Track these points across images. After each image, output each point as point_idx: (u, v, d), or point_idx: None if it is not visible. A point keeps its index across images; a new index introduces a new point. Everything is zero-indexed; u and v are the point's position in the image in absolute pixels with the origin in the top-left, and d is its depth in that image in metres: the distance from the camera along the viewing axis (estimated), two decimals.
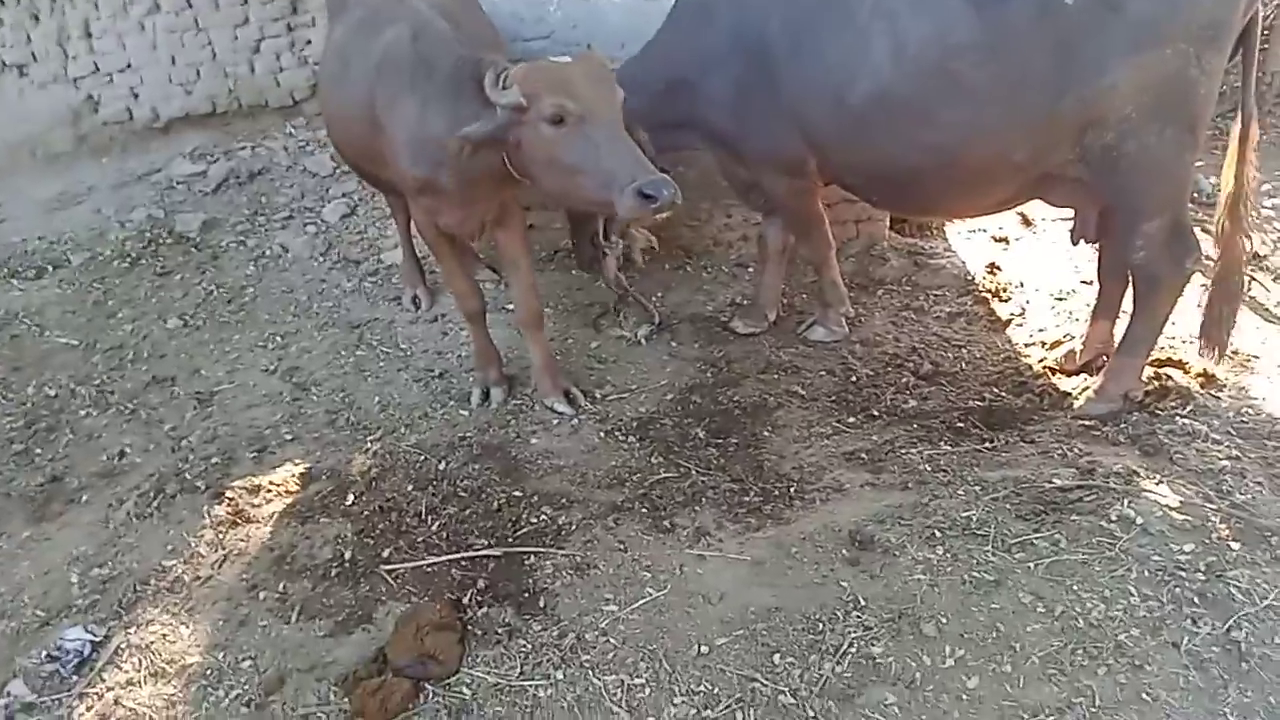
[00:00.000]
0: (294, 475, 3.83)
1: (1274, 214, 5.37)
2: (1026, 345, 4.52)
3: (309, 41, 6.30)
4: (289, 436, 4.08)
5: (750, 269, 5.19)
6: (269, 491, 3.74)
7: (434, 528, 3.49)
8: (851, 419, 4.07)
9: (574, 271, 5.24)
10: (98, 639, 3.05)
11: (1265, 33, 6.14)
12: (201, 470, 3.86)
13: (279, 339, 4.75)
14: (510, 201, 3.98)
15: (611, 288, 4.82)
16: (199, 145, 6.18)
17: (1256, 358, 4.02)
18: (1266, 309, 4.46)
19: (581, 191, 3.32)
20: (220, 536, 3.50)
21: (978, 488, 3.38)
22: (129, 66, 6.19)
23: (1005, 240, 5.51)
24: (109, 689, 2.88)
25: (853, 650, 2.77)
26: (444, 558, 3.32)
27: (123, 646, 3.02)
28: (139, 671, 2.94)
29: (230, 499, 3.68)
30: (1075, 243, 4.16)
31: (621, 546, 3.32)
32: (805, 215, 4.42)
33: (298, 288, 5.14)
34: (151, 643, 3.04)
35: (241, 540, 3.48)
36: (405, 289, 5.02)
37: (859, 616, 2.88)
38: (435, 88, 3.53)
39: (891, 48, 3.55)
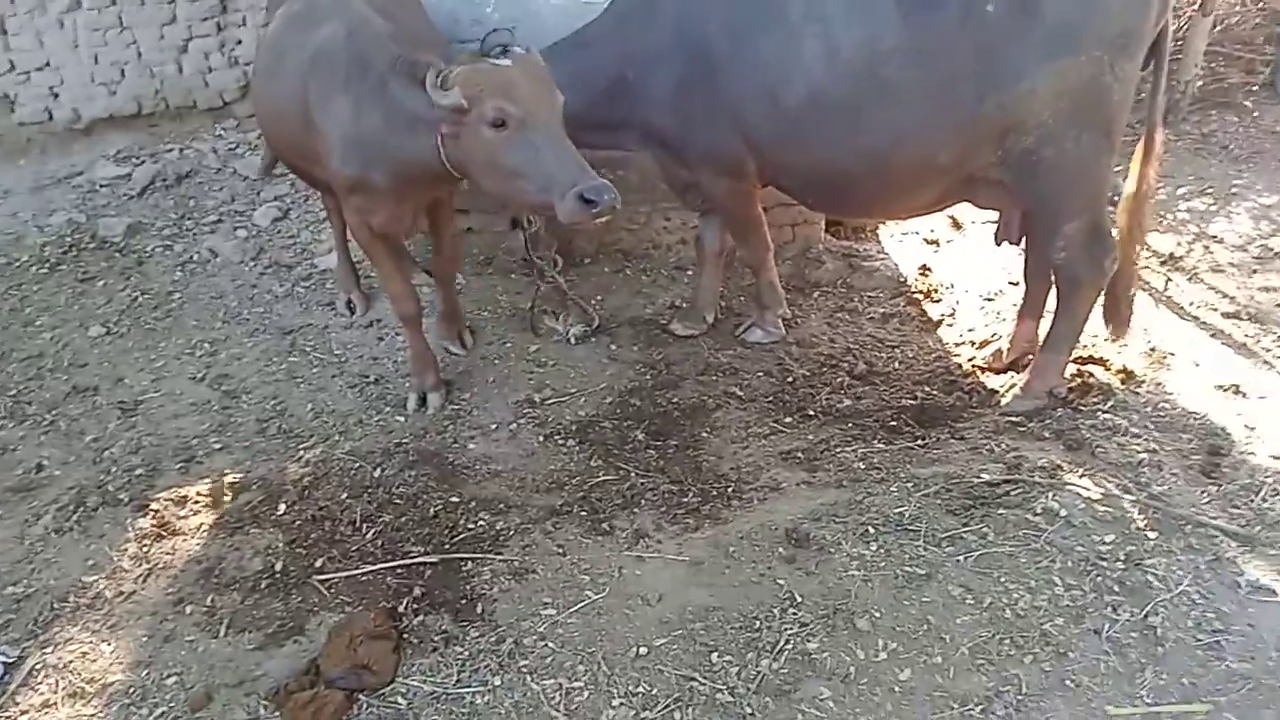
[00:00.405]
0: (223, 485, 3.74)
1: (1189, 216, 5.58)
2: (957, 345, 4.63)
3: (239, 41, 6.17)
4: (218, 446, 3.97)
5: (689, 272, 5.22)
6: (196, 503, 3.64)
7: (369, 536, 3.44)
8: (788, 419, 4.12)
9: (513, 275, 5.22)
10: (10, 660, 2.93)
11: (1177, 43, 6.41)
12: (125, 482, 3.74)
13: (207, 346, 4.63)
14: (445, 197, 4.05)
15: (530, 255, 4.83)
16: (123, 147, 5.99)
17: (1172, 354, 4.17)
18: (1181, 307, 4.64)
19: (521, 195, 3.32)
20: (144, 550, 3.39)
21: (910, 484, 3.45)
22: (48, 65, 5.99)
23: (936, 243, 5.63)
24: (23, 712, 2.77)
25: (789, 647, 2.80)
26: (379, 566, 3.27)
27: (38, 667, 2.91)
28: (56, 693, 2.83)
29: (155, 511, 3.57)
30: (999, 243, 4.28)
31: (560, 550, 3.31)
32: (744, 217, 4.46)
33: (227, 293, 5.01)
34: (70, 662, 2.93)
35: (167, 554, 3.38)
36: (340, 293, 4.94)
37: (795, 613, 2.91)
38: (369, 87, 3.49)
39: (824, 51, 3.62)
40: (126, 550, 3.39)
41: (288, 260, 5.23)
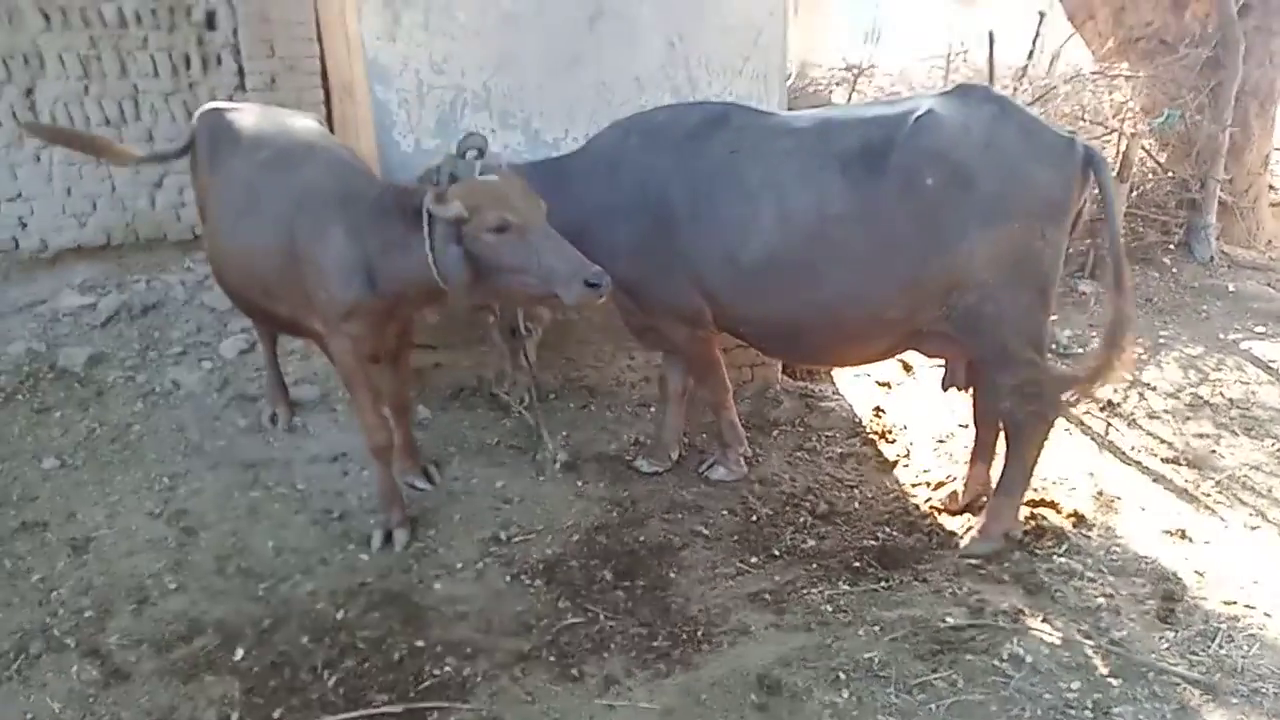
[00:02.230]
0: (177, 628, 3.60)
1: None
2: (913, 485, 4.76)
3: None
4: (173, 586, 3.84)
5: (652, 409, 5.33)
6: (149, 646, 3.48)
7: (330, 683, 3.32)
8: (754, 559, 4.15)
9: (478, 410, 5.26)
10: None
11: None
12: (72, 625, 3.58)
13: (166, 480, 4.53)
14: (409, 327, 4.36)
15: (528, 371, 4.97)
16: (89, 277, 5.98)
17: (1119, 498, 4.36)
18: (1123, 452, 4.87)
19: (524, 288, 3.73)
20: (90, 701, 3.22)
21: (877, 628, 3.48)
22: (19, 196, 6.04)
23: (888, 385, 5.86)
24: None
25: None
26: (341, 716, 3.15)
27: None
28: None
29: (104, 656, 3.42)
30: (945, 389, 4.49)
31: (529, 698, 3.24)
32: (703, 360, 4.63)
33: (189, 426, 4.95)
34: None
35: (115, 704, 3.21)
36: (265, 406, 5.04)
37: None
38: (362, 215, 3.82)
39: (778, 214, 3.88)
40: (71, 701, 3.21)
41: (253, 392, 5.21)
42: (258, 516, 4.31)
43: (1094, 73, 7.83)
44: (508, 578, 3.98)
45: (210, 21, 5.96)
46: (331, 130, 5.07)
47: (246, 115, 4.44)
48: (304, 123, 4.47)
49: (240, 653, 3.46)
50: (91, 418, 4.93)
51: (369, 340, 4.00)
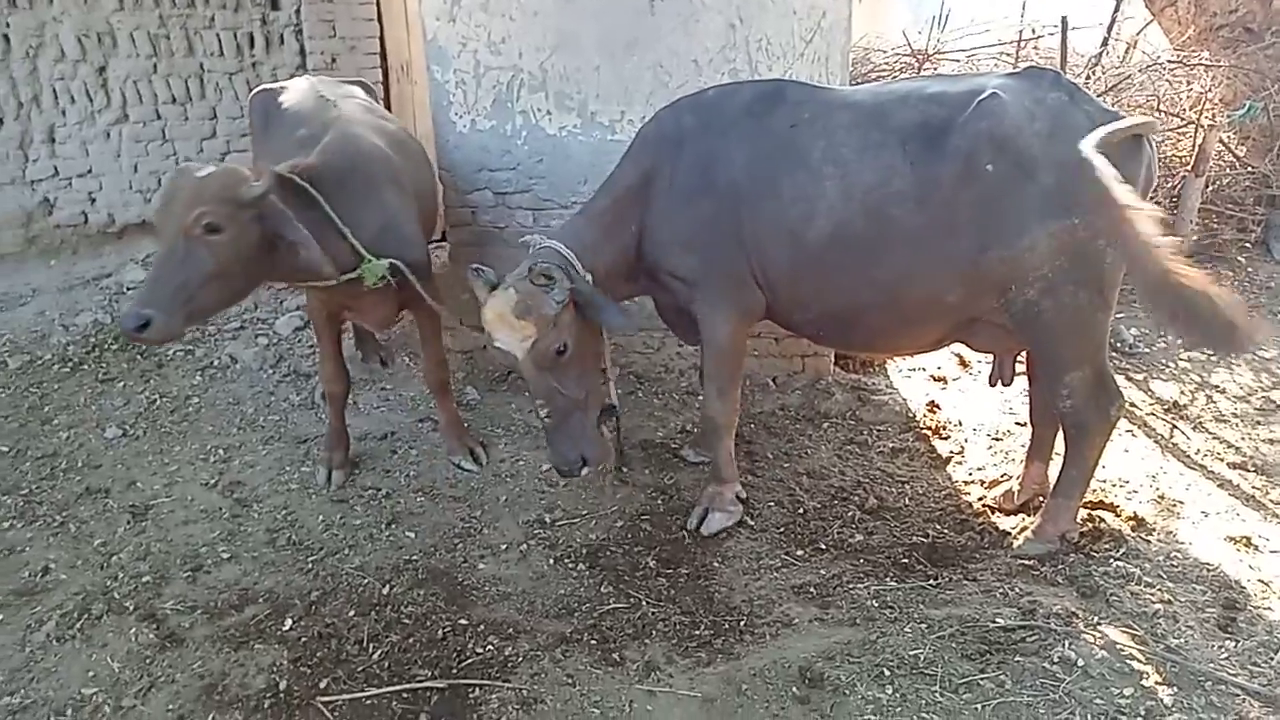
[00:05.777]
0: (229, 597, 3.69)
1: (1190, 366, 5.71)
2: (966, 483, 4.65)
3: None
4: (226, 555, 3.94)
5: (699, 397, 5.28)
6: (203, 613, 3.58)
7: (375, 657, 3.38)
8: (800, 551, 4.10)
9: (526, 393, 5.26)
10: None
11: (1172, 200, 6.72)
12: (131, 589, 3.69)
13: (221, 452, 4.65)
14: (424, 308, 4.27)
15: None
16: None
17: (1181, 503, 4.21)
18: (1188, 456, 4.70)
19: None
20: (147, 662, 3.32)
21: (924, 625, 3.41)
22: (89, 172, 6.23)
23: (943, 380, 5.73)
24: None
25: None
26: (385, 690, 3.20)
27: None
28: None
29: (160, 620, 3.52)
30: (992, 384, 4.36)
31: (570, 680, 3.25)
32: (735, 357, 4.25)
33: (244, 399, 5.07)
34: None
35: (170, 666, 3.31)
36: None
37: None
38: None
39: (841, 192, 3.78)
40: (129, 661, 3.31)
41: (306, 369, 5.30)
42: (308, 491, 4.40)
43: (1172, 61, 7.53)
44: (551, 560, 4.00)
45: (274, 2, 6.06)
46: (389, 109, 5.12)
47: (292, 93, 4.51)
48: (344, 95, 4.54)
49: (289, 623, 3.54)
50: (152, 389, 5.08)
51: (327, 305, 4.16)
